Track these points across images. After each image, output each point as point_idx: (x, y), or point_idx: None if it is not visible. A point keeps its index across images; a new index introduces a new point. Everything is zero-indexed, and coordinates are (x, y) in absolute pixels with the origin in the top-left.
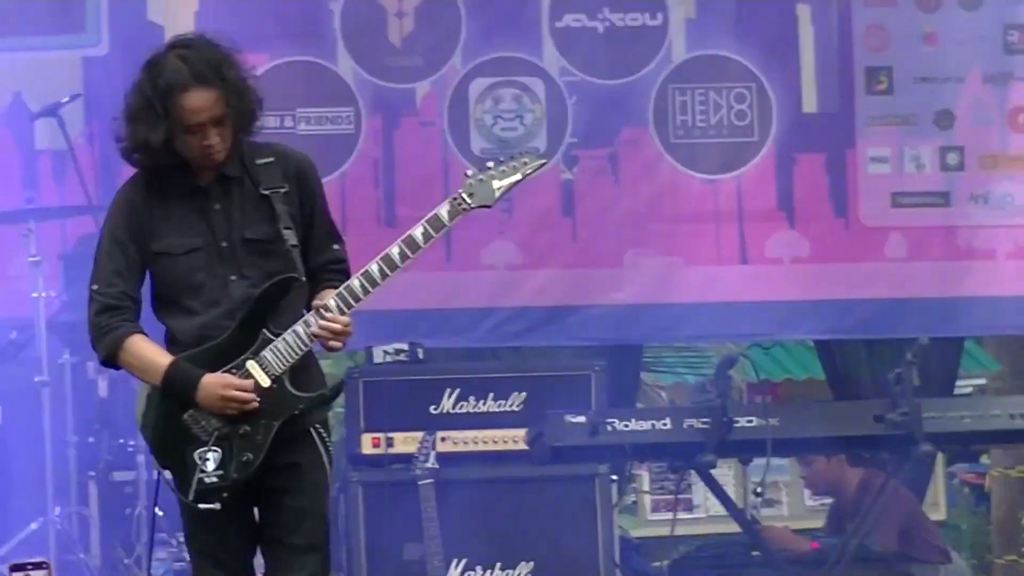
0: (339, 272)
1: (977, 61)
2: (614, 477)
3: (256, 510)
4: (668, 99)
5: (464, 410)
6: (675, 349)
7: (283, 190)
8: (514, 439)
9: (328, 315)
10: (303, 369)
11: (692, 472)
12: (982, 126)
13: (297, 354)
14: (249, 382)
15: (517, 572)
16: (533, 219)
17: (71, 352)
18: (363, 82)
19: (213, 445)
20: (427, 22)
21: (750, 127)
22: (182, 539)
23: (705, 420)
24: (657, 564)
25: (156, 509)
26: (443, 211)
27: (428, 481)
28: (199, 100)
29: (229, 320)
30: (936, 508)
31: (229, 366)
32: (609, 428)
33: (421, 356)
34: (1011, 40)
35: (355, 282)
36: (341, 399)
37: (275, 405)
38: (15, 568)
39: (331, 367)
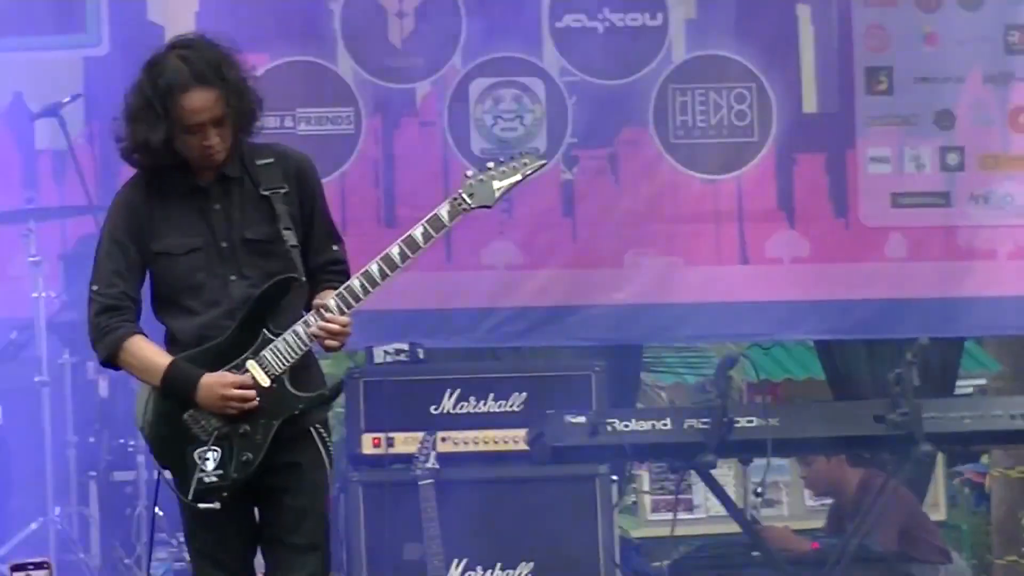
0: (339, 273)
1: (978, 61)
2: (614, 477)
3: (256, 510)
4: (668, 99)
5: (464, 410)
6: (675, 349)
7: (283, 190)
8: (514, 439)
9: (328, 315)
10: (303, 369)
11: (692, 472)
12: (983, 126)
13: (297, 354)
14: (249, 380)
15: (517, 572)
16: (533, 219)
17: (71, 352)
18: (363, 82)
19: (213, 445)
20: (427, 22)
21: (750, 127)
22: (182, 539)
23: (705, 420)
24: (657, 564)
25: (156, 509)
26: (443, 211)
27: (428, 481)
28: (199, 100)
29: (229, 320)
30: (936, 508)
31: (229, 366)
32: (609, 428)
33: (421, 356)
34: (1012, 40)
35: (355, 282)
36: (341, 399)
37: (275, 405)
38: (16, 568)
39: (331, 367)
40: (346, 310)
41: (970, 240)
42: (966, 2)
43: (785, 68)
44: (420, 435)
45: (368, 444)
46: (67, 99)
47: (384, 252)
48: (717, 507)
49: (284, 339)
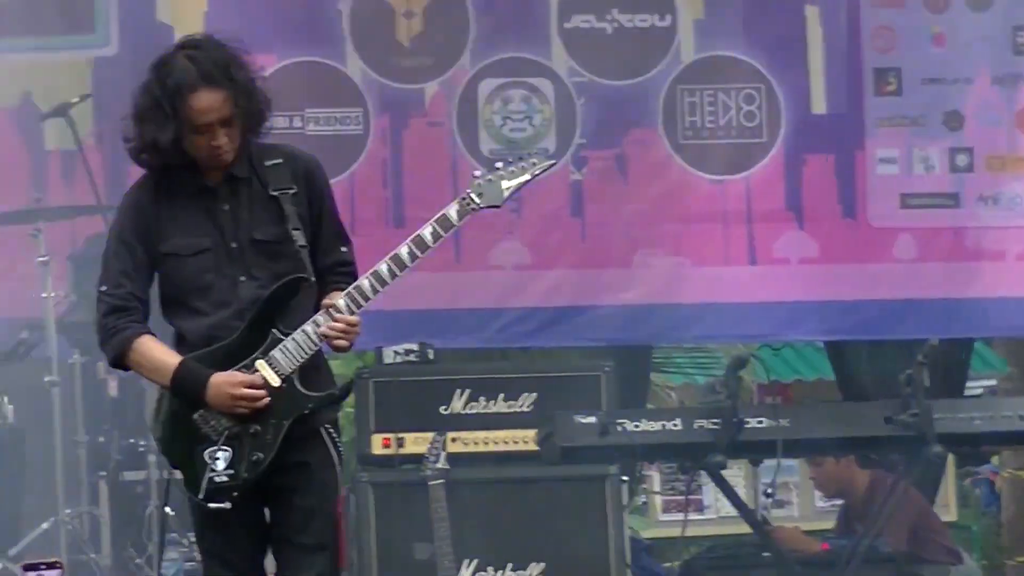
0: (347, 274)
1: (986, 62)
2: (624, 478)
3: (266, 510)
4: (677, 100)
5: (474, 410)
6: (685, 350)
7: (292, 191)
8: (524, 440)
9: (338, 315)
10: (313, 369)
11: (702, 473)
12: (991, 127)
13: (306, 354)
14: (259, 380)
15: (528, 573)
16: (542, 220)
17: (81, 352)
18: (371, 82)
19: (223, 444)
20: (436, 22)
21: (759, 128)
22: (193, 539)
23: (715, 421)
24: (668, 565)
25: (167, 509)
26: (452, 211)
27: (439, 481)
28: (207, 101)
29: (238, 320)
30: (947, 509)
31: (238, 366)
32: (619, 428)
33: (431, 356)
34: (1020, 41)
35: (364, 282)
36: (351, 399)
37: (285, 404)
38: (29, 568)
39: (341, 367)
40: (355, 310)
41: (979, 241)
42: (974, 3)
43: (794, 69)
44: (430, 435)
45: (378, 444)
46: (76, 99)
47: (393, 252)
48: (727, 507)
49: (293, 339)
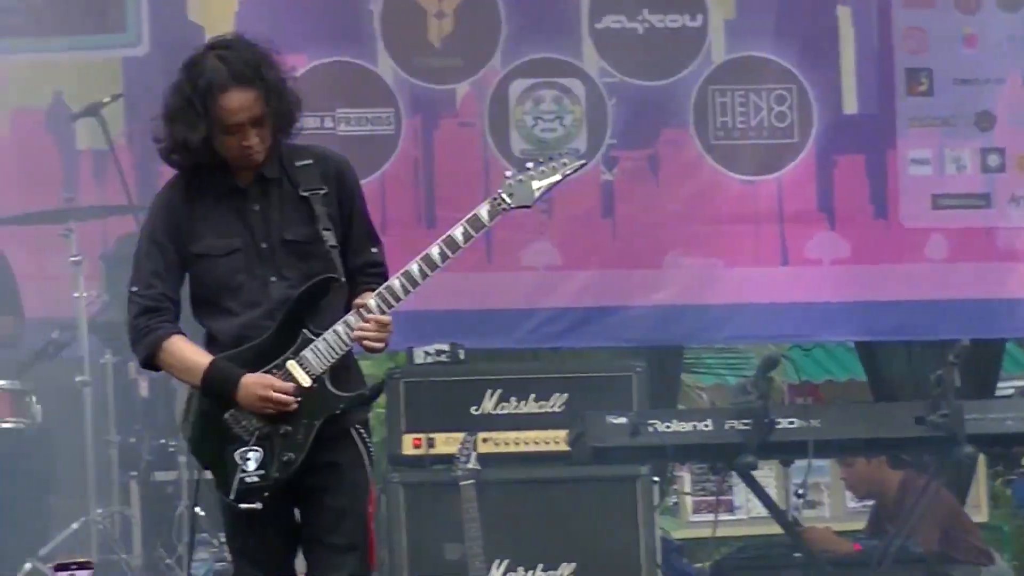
0: (377, 275)
1: (1017, 62)
2: (655, 478)
3: (297, 510)
4: (708, 100)
5: (505, 411)
6: (716, 350)
7: (322, 192)
8: (555, 440)
9: (369, 315)
10: (343, 369)
11: (733, 473)
12: (1022, 127)
13: (337, 354)
14: (290, 384)
15: (558, 573)
16: (573, 220)
17: (112, 352)
18: (403, 83)
19: (254, 445)
20: (467, 23)
21: (790, 128)
22: (223, 539)
23: (746, 421)
24: (699, 565)
25: (197, 509)
26: (483, 211)
27: (469, 482)
28: (238, 100)
29: (269, 320)
30: (978, 510)
31: (269, 366)
32: (650, 429)
33: (462, 357)
34: None
35: (395, 282)
36: (382, 399)
37: (316, 405)
38: (60, 568)
39: (371, 368)
40: (386, 310)
41: (1011, 241)
42: (1005, 3)
43: (825, 69)
44: (461, 436)
45: (409, 445)
46: (107, 99)
47: (424, 252)
48: (758, 508)
49: (324, 339)
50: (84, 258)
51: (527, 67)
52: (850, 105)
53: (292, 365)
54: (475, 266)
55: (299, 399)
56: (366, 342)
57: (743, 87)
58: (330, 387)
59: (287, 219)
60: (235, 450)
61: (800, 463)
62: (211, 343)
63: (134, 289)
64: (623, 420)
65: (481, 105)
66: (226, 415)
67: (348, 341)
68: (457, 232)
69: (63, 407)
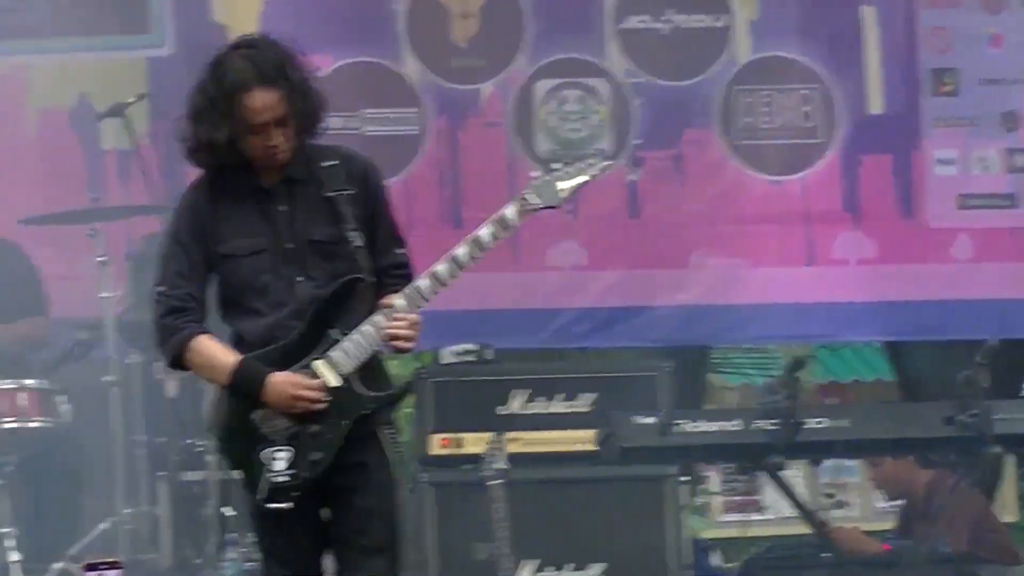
0: (402, 276)
1: None
2: (683, 478)
3: (326, 510)
4: (733, 100)
5: (533, 411)
6: (743, 350)
7: (348, 192)
8: (583, 440)
9: (397, 315)
10: (371, 369)
11: (762, 473)
12: None
13: (366, 354)
14: (318, 382)
15: (587, 573)
16: (598, 220)
17: (139, 352)
18: (428, 83)
19: (283, 444)
20: (491, 23)
21: (815, 128)
22: (253, 539)
23: (774, 421)
24: (728, 565)
25: (228, 510)
26: (509, 211)
27: (498, 482)
28: (262, 100)
29: (296, 321)
30: (1007, 510)
31: (297, 366)
32: (678, 429)
33: (489, 357)
34: None
35: (422, 282)
36: (410, 400)
37: (344, 405)
38: (90, 567)
39: (399, 368)
40: (413, 310)
41: None
42: None
43: (850, 69)
44: (489, 435)
45: (437, 445)
46: (132, 99)
47: (450, 252)
48: (787, 508)
49: (352, 339)
50: (110, 258)
51: (552, 67)
52: (875, 105)
53: (320, 365)
54: (502, 266)
55: (328, 398)
56: (397, 341)
57: (768, 87)
58: (359, 387)
59: (313, 220)
60: (263, 450)
61: (828, 463)
62: (239, 344)
63: (160, 289)
64: (651, 420)
65: (506, 105)
66: (253, 415)
67: (376, 341)
68: (484, 232)
69: (91, 407)
